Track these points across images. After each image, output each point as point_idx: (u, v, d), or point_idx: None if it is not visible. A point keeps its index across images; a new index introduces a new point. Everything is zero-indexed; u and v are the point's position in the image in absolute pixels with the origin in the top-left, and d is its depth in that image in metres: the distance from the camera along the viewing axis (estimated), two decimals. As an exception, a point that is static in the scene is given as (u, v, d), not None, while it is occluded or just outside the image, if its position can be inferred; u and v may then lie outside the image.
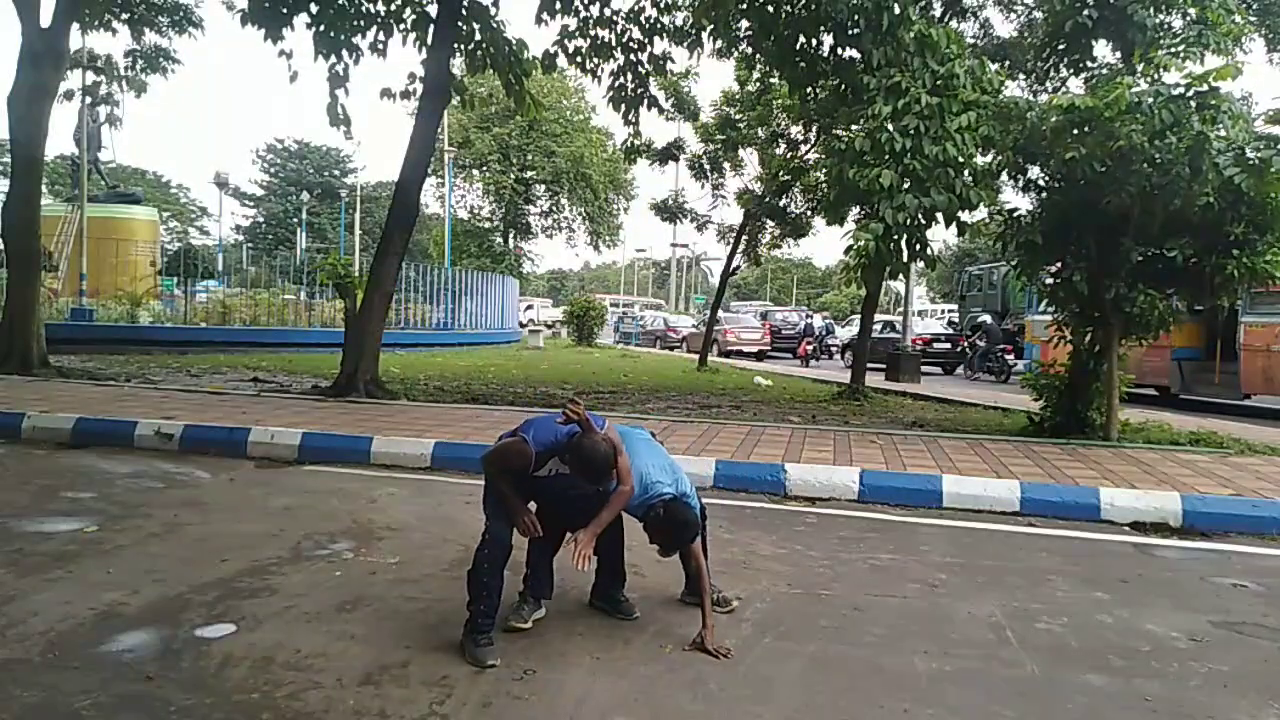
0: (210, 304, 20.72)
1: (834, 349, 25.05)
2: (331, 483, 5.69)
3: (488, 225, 44.15)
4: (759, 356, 25.30)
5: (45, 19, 10.68)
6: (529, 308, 47.39)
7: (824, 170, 12.04)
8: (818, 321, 28.75)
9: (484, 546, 3.15)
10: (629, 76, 11.18)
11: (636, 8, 10.81)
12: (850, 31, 8.16)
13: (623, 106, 11.35)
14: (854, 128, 8.32)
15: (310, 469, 6.13)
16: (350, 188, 53.50)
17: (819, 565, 4.22)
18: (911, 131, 7.16)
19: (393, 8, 10.38)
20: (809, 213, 15.89)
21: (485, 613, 3.05)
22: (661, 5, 10.79)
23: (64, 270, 20.98)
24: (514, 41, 10.66)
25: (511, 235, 44.11)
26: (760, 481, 5.76)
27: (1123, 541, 4.88)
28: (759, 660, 3.07)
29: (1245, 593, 4.03)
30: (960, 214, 7.49)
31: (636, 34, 10.93)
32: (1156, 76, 6.80)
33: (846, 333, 25.79)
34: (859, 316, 13.79)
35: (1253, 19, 10.64)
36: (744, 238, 17.16)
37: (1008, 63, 10.85)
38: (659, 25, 10.87)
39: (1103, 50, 8.74)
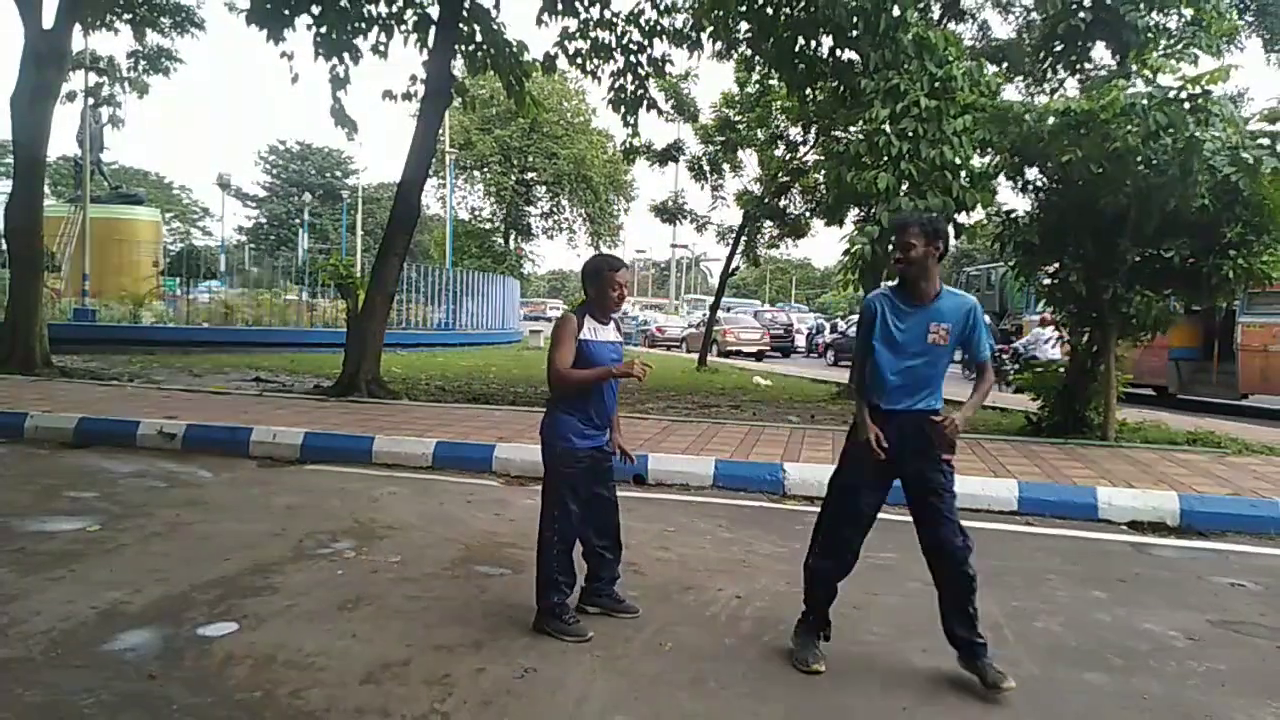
0: (213, 304, 20.74)
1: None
2: (333, 482, 5.71)
3: (489, 226, 44.14)
4: (758, 356, 25.31)
5: (48, 20, 10.70)
6: (554, 308, 48.37)
7: (823, 172, 12.07)
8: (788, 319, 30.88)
9: (555, 521, 3.19)
10: (629, 78, 11.20)
11: (636, 10, 10.83)
12: (849, 34, 8.19)
13: (622, 108, 11.37)
14: (852, 130, 8.35)
15: (312, 468, 6.15)
16: (352, 189, 53.50)
17: (818, 565, 4.23)
18: (909, 134, 7.19)
19: (394, 9, 10.41)
20: (808, 213, 15.92)
21: (567, 589, 3.22)
22: (661, 7, 10.82)
23: (66, 271, 20.99)
24: (514, 43, 10.68)
25: (512, 236, 44.12)
26: (760, 481, 5.78)
27: (1121, 541, 4.90)
28: (759, 659, 3.08)
29: (1243, 592, 4.05)
30: (957, 216, 7.51)
31: (636, 36, 10.95)
32: (1151, 77, 6.83)
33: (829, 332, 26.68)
34: (859, 316, 13.76)
35: (1250, 19, 10.67)
36: (743, 238, 17.18)
37: (1006, 64, 10.89)
38: (659, 27, 10.89)
39: (1100, 51, 8.77)
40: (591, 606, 3.44)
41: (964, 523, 4.26)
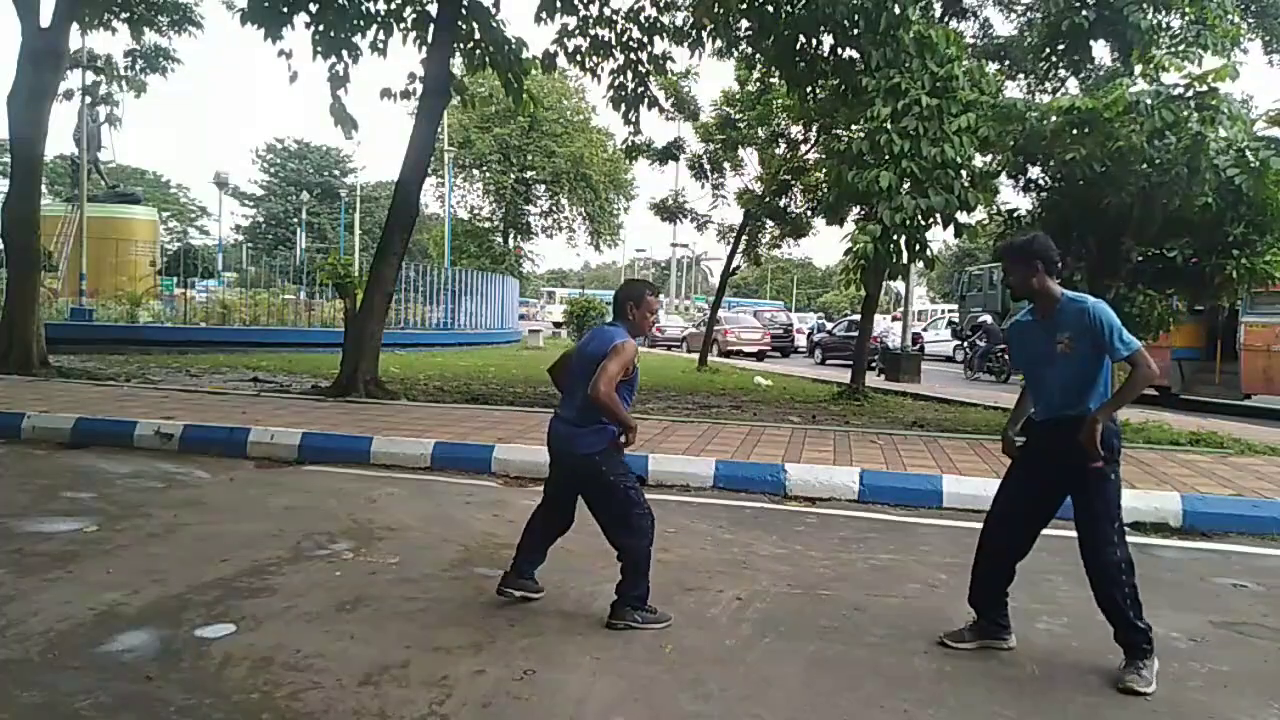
0: (210, 304, 20.69)
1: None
2: (331, 483, 5.69)
3: (488, 225, 44.14)
4: (759, 356, 25.33)
5: (45, 19, 10.66)
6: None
7: (824, 171, 12.05)
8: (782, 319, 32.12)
9: (645, 520, 3.31)
10: (629, 76, 11.17)
11: (636, 7, 10.79)
12: (850, 32, 8.17)
13: (623, 106, 11.35)
14: (853, 128, 8.34)
15: (310, 469, 6.13)
16: (350, 188, 53.51)
17: (819, 565, 4.22)
18: (910, 133, 7.17)
19: (393, 7, 10.37)
20: (809, 212, 15.90)
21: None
22: (661, 4, 10.78)
23: (64, 270, 20.98)
24: (514, 40, 10.65)
25: (511, 235, 44.10)
26: (760, 481, 5.76)
27: (1123, 542, 4.87)
28: (759, 660, 3.06)
29: (1245, 593, 4.04)
30: (958, 215, 7.49)
31: (636, 33, 10.92)
32: (1154, 76, 6.81)
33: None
34: (859, 316, 13.78)
35: (1250, 20, 10.65)
36: (744, 238, 17.17)
37: (1007, 63, 10.86)
38: (659, 25, 10.86)
39: (1101, 50, 8.75)
40: (516, 589, 3.47)
41: (966, 524, 4.23)
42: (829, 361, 22.26)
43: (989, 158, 7.77)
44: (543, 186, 43.03)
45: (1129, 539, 5.00)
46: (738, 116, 15.61)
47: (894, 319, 22.58)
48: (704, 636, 3.27)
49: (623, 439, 3.30)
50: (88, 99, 17.77)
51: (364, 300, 9.75)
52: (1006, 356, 18.04)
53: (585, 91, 41.49)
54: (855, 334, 19.26)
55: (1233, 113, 6.23)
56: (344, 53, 10.08)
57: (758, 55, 10.55)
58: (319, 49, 9.92)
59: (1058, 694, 2.88)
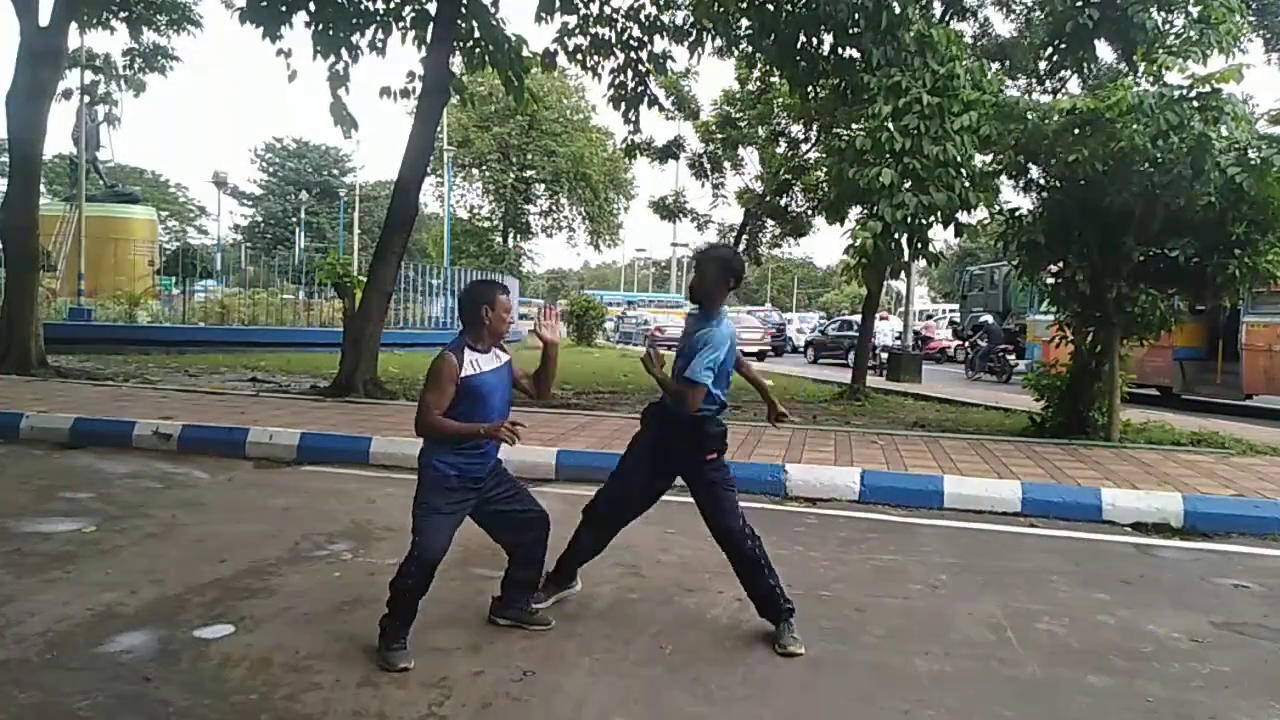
0: (208, 304, 20.69)
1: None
2: (330, 483, 5.68)
3: (487, 225, 44.15)
4: (759, 356, 25.32)
5: (44, 18, 10.66)
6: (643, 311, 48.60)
7: (824, 169, 12.04)
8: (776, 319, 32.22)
9: (412, 563, 2.94)
10: (629, 74, 11.16)
11: (636, 6, 10.79)
12: (850, 31, 8.17)
13: (623, 105, 11.34)
14: (854, 127, 8.33)
15: (309, 469, 6.12)
16: (349, 187, 53.49)
17: (820, 566, 4.21)
18: (912, 131, 7.17)
19: (392, 5, 10.35)
20: (809, 212, 15.90)
21: (407, 622, 2.95)
22: (661, 3, 10.78)
23: (62, 270, 20.97)
24: (513, 39, 10.64)
25: (511, 235, 44.10)
26: (760, 482, 5.74)
27: (1124, 542, 4.87)
28: (759, 660, 3.06)
29: (1246, 593, 4.03)
30: (959, 214, 7.48)
31: (636, 32, 10.91)
32: (1158, 75, 6.80)
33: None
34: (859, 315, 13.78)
35: (1251, 19, 10.64)
36: (744, 237, 17.18)
37: (1008, 63, 10.86)
38: (659, 23, 10.85)
39: (1104, 50, 8.73)
40: (503, 619, 3.28)
41: (967, 524, 4.25)
42: (821, 360, 22.96)
43: (990, 157, 7.76)
44: (542, 186, 43.04)
45: (1131, 539, 5.03)
46: (738, 115, 15.63)
47: (883, 318, 23.11)
48: (704, 636, 3.26)
49: (500, 434, 2.95)
50: (86, 98, 17.77)
51: (363, 300, 9.73)
52: (1010, 357, 18.04)
53: (585, 91, 41.56)
54: (847, 334, 19.41)
55: (1237, 113, 6.21)
56: (343, 52, 10.07)
57: (758, 54, 10.54)
58: (318, 48, 9.91)
59: (1058, 694, 2.87)
